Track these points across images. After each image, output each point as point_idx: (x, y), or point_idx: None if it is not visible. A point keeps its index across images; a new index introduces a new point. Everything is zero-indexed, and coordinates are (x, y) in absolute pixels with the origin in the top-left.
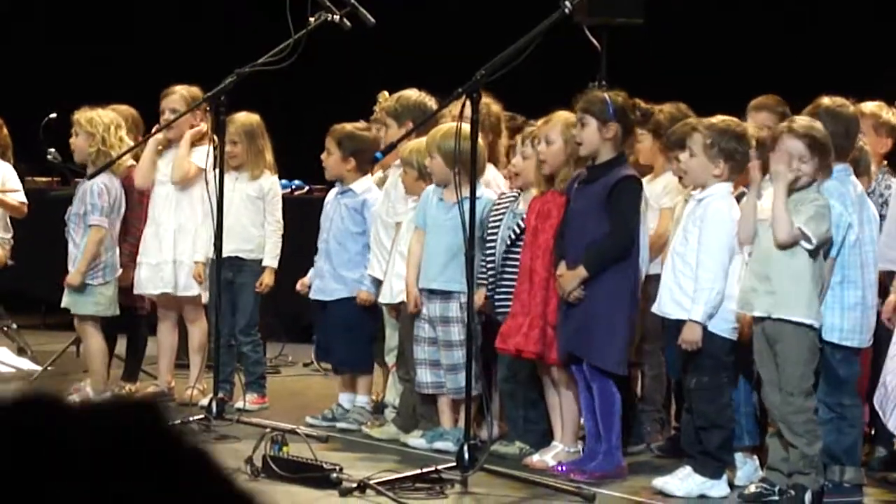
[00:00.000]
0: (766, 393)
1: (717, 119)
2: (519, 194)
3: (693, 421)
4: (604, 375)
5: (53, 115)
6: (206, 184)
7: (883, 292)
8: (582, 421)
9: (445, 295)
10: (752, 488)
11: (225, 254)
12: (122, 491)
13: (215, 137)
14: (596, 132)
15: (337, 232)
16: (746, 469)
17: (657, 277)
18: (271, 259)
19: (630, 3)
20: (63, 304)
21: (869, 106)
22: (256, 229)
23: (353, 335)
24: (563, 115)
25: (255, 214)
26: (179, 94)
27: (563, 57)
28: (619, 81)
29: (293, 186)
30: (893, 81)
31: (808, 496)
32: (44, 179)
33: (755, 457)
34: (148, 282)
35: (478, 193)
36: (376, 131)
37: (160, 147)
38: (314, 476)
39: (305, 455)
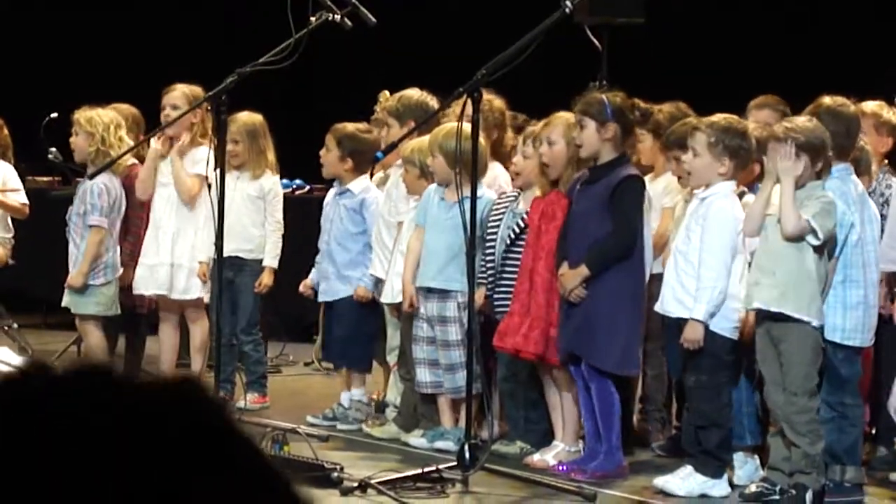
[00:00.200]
0: (769, 392)
1: (719, 117)
2: (519, 194)
3: (691, 420)
4: (602, 375)
5: (54, 115)
6: (209, 186)
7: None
8: (582, 421)
9: (443, 294)
10: (753, 488)
11: (225, 253)
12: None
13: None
14: (595, 133)
15: (337, 233)
16: (747, 468)
17: (659, 277)
18: (271, 259)
19: (631, 3)
20: (64, 304)
21: (870, 105)
22: (257, 229)
23: (357, 333)
24: (563, 117)
25: (255, 214)
26: (181, 91)
27: (564, 57)
28: (620, 81)
29: (294, 186)
30: (894, 81)
31: (809, 495)
32: (45, 179)
33: (756, 456)
34: (143, 281)
35: (479, 193)
36: (377, 132)
37: (161, 154)
38: (315, 475)
39: (306, 454)
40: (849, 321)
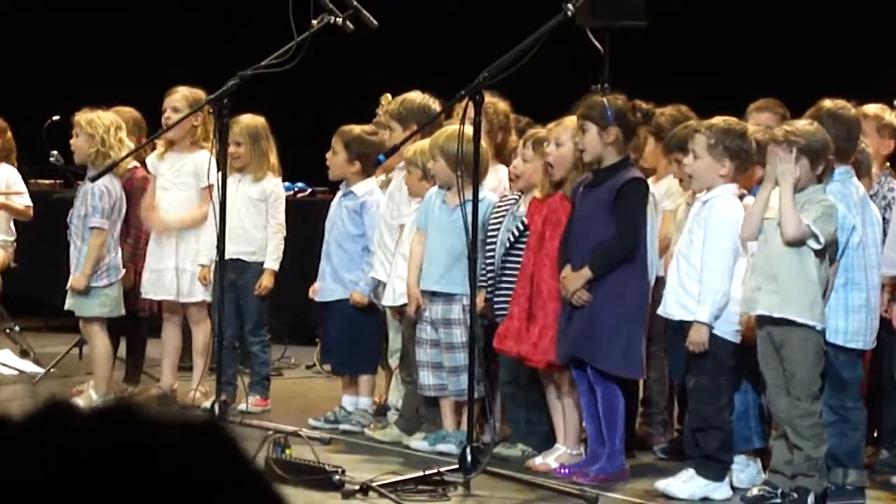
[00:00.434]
0: (772, 396)
1: (718, 119)
2: (519, 197)
3: (690, 422)
4: (608, 379)
5: (56, 118)
6: (210, 189)
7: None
8: (583, 424)
9: (447, 297)
10: (755, 491)
11: (227, 256)
12: None
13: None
14: (597, 137)
15: (338, 234)
16: (749, 472)
17: (661, 280)
18: (272, 261)
19: (633, 6)
20: (67, 307)
21: (871, 108)
22: (258, 231)
23: (354, 336)
24: (573, 119)
25: (257, 217)
26: (182, 94)
27: (566, 59)
28: (622, 84)
29: (296, 188)
30: (894, 83)
31: (811, 499)
32: (47, 182)
33: (758, 459)
34: (151, 286)
35: (480, 196)
36: (380, 134)
37: (162, 150)
38: (317, 478)
39: (308, 457)
40: (851, 324)
